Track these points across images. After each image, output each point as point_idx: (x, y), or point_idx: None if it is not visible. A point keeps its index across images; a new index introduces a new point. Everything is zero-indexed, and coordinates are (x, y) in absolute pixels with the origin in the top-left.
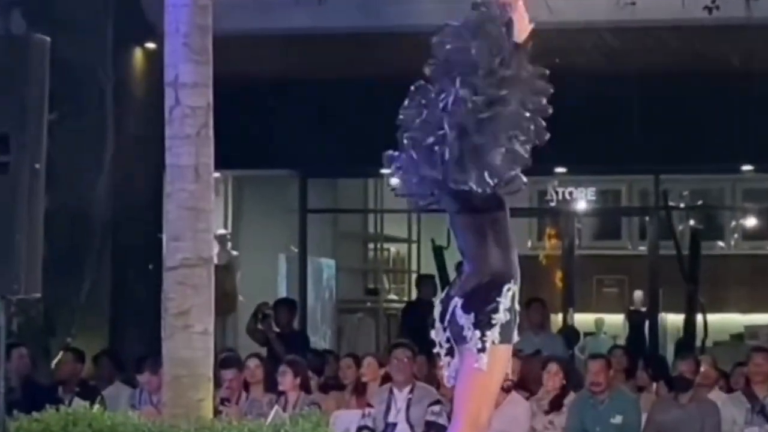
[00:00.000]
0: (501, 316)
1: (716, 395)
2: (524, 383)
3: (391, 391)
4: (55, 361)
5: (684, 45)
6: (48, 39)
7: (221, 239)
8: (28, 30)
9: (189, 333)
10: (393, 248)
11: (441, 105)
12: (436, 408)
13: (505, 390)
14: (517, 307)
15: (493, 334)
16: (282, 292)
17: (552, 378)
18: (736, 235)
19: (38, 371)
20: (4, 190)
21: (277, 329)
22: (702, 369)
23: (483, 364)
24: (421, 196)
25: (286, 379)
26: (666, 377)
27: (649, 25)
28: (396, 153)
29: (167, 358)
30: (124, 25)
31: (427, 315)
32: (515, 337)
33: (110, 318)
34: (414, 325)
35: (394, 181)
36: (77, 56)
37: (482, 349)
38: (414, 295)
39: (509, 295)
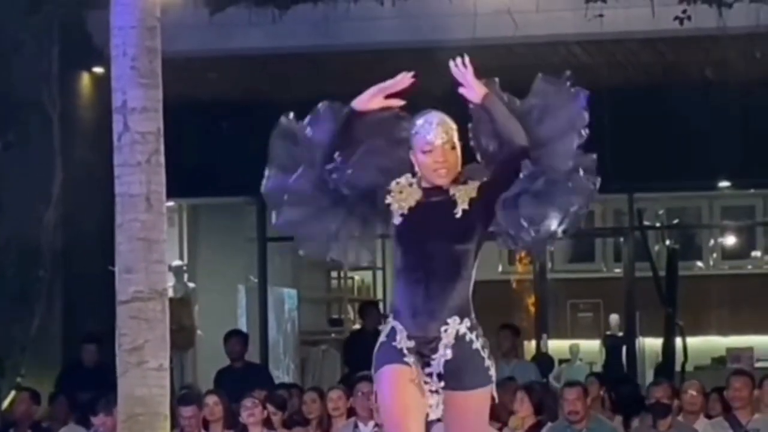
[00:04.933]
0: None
1: (698, 422)
2: (496, 413)
3: (356, 425)
4: (5, 402)
5: (655, 57)
6: None
7: (177, 271)
8: None
9: (144, 369)
10: (357, 276)
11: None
12: None
13: None
14: None
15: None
16: (242, 325)
17: (521, 405)
18: (714, 255)
19: None
20: None
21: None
22: (688, 395)
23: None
24: None
25: (248, 415)
26: (642, 403)
27: (618, 37)
28: None
29: (122, 396)
30: (70, 49)
31: (373, 345)
32: None
33: (62, 355)
34: (359, 356)
35: None
36: (21, 82)
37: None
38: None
39: None
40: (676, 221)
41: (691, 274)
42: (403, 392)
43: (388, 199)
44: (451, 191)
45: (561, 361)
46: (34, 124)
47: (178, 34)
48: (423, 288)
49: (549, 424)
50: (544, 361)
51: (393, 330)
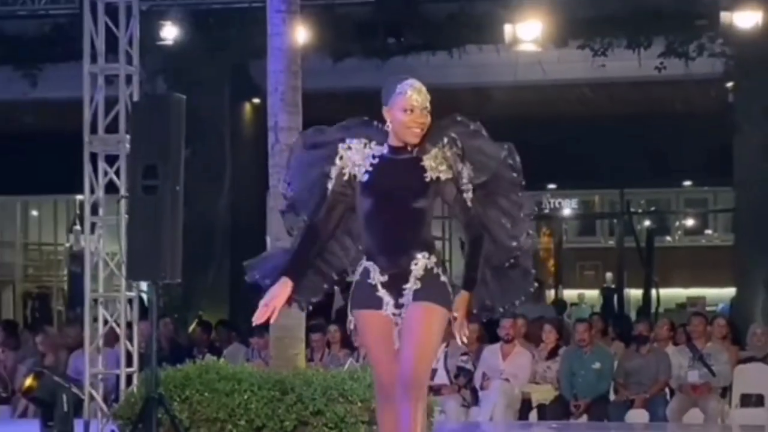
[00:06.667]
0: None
1: (668, 348)
2: (529, 339)
3: (448, 344)
4: (190, 329)
5: (641, 95)
6: (183, 97)
7: None
8: (168, 90)
9: (288, 307)
10: None
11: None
12: (465, 358)
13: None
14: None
15: None
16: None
17: (548, 335)
18: (679, 232)
19: (179, 336)
20: (154, 206)
21: None
22: (660, 329)
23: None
24: None
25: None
26: (629, 334)
27: (615, 81)
28: None
29: (273, 325)
30: (238, 86)
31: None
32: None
33: (229, 297)
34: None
35: None
36: (204, 109)
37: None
38: None
39: None
40: (653, 209)
41: (663, 245)
42: (379, 336)
43: (345, 173)
44: (416, 152)
45: (572, 305)
46: (211, 137)
47: (312, 76)
48: (392, 230)
49: (564, 347)
50: (560, 304)
51: (366, 269)
